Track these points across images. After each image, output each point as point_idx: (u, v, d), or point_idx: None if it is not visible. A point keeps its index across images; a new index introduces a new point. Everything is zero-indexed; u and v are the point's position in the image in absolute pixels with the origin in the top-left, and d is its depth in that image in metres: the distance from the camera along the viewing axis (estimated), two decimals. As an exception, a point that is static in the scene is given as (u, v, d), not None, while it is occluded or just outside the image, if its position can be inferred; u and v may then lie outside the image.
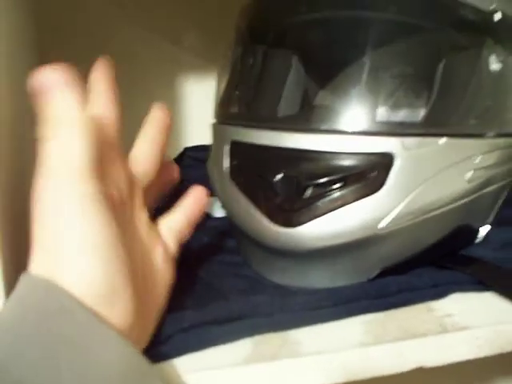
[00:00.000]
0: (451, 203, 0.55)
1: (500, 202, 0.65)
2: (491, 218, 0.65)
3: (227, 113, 0.63)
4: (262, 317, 0.49)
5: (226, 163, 0.58)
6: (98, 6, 0.86)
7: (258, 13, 0.63)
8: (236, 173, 0.57)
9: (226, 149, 0.59)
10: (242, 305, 0.50)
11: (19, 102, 0.54)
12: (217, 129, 0.63)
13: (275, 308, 0.50)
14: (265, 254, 0.57)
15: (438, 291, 0.55)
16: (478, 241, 0.65)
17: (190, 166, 0.82)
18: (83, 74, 0.78)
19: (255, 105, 0.61)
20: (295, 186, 0.52)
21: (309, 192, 0.52)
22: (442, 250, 0.59)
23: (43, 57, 0.79)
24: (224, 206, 0.61)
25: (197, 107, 0.90)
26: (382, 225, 0.52)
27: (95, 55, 0.84)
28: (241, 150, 0.58)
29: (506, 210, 0.70)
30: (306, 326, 0.49)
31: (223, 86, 0.64)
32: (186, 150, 0.87)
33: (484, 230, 0.64)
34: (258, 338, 0.48)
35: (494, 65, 0.58)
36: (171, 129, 0.55)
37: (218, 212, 0.71)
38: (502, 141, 0.59)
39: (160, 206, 0.73)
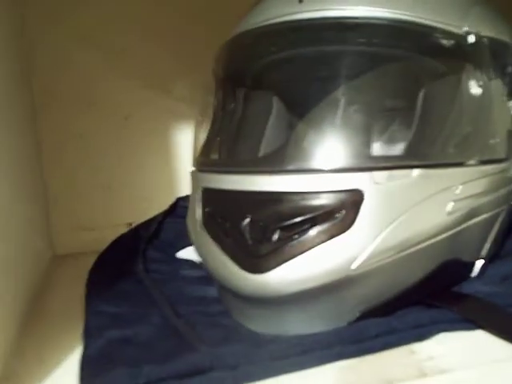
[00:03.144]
0: (431, 238, 0.53)
1: (494, 233, 0.61)
2: (486, 251, 0.61)
3: (201, 160, 0.62)
4: (227, 369, 0.46)
5: (199, 211, 0.57)
6: (89, 64, 0.87)
7: (228, 57, 0.62)
8: (207, 220, 0.56)
9: (199, 196, 0.57)
10: (208, 357, 0.47)
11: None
12: (193, 176, 0.62)
13: (243, 359, 0.47)
14: (241, 301, 0.55)
15: (421, 332, 0.51)
16: (473, 275, 0.61)
17: (184, 215, 0.81)
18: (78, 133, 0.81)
19: (223, 151, 0.60)
20: (262, 229, 0.51)
21: (276, 235, 0.50)
22: (430, 288, 0.56)
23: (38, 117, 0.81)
24: (199, 254, 0.59)
25: (190, 156, 0.89)
26: (355, 265, 0.50)
27: (87, 111, 0.87)
28: (211, 197, 0.56)
29: (509, 243, 0.67)
30: (271, 377, 0.46)
31: (199, 134, 0.64)
32: (179, 199, 0.86)
33: (479, 264, 0.61)
34: (222, 392, 0.45)
35: (474, 90, 0.56)
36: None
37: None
38: (485, 168, 0.56)
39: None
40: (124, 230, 0.88)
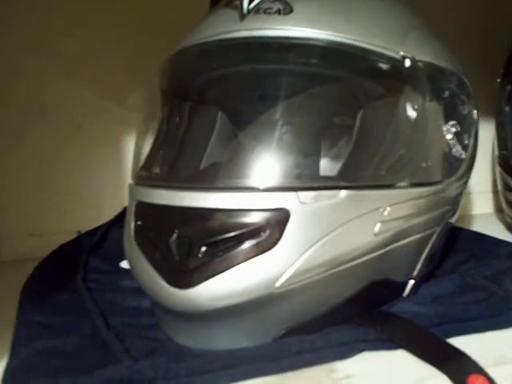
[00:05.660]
0: (358, 258, 0.53)
1: (426, 254, 0.62)
2: (417, 272, 0.62)
3: (138, 174, 0.62)
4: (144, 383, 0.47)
5: (132, 224, 0.57)
6: (42, 72, 0.88)
7: (171, 72, 0.63)
8: (139, 233, 0.57)
9: (133, 209, 0.58)
10: (128, 370, 0.48)
11: None
12: (130, 189, 0.62)
13: (161, 373, 0.48)
14: (171, 315, 0.55)
15: (343, 351, 0.51)
16: (405, 295, 0.62)
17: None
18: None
19: (161, 165, 0.61)
20: (188, 245, 0.51)
21: (203, 251, 0.51)
22: (359, 307, 0.56)
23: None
24: (130, 267, 0.59)
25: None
26: (279, 283, 0.50)
27: (40, 119, 0.87)
28: (143, 211, 0.57)
29: (446, 262, 0.68)
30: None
31: (140, 146, 0.64)
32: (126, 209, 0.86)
33: (410, 284, 0.62)
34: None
35: (410, 113, 0.56)
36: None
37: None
38: (416, 190, 0.57)
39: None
40: (73, 237, 0.88)
